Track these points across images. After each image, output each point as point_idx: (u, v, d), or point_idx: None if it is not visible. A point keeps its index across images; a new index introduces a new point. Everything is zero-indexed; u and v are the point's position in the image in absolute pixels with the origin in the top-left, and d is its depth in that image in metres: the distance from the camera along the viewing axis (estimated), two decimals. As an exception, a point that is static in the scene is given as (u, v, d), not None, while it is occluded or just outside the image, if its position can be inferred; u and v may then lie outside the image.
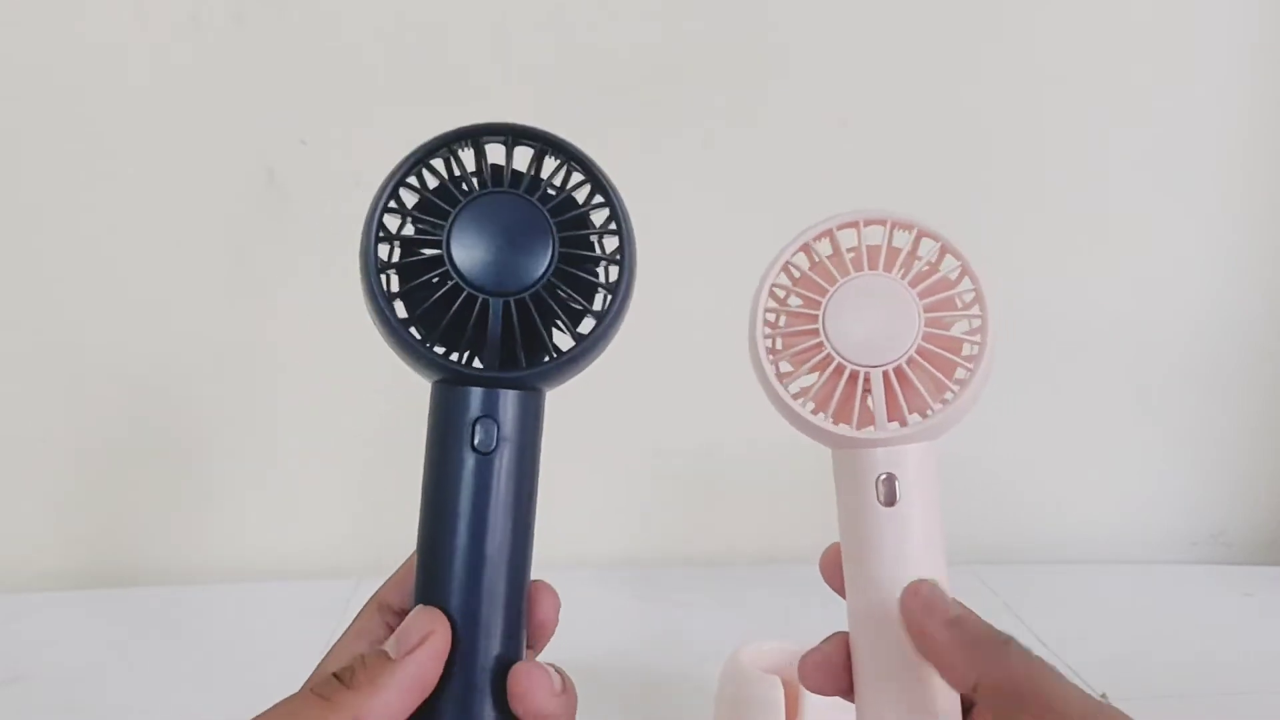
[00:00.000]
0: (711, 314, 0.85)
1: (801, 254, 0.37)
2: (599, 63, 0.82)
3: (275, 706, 0.33)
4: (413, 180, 0.36)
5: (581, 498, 0.86)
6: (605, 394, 0.86)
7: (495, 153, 0.37)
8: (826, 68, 0.84)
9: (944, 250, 0.36)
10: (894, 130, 0.84)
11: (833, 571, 0.39)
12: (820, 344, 0.36)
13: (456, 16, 0.80)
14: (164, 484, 0.85)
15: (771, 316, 0.37)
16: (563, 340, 0.37)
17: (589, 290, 0.37)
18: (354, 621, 0.38)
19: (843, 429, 0.36)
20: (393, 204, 0.36)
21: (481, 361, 0.36)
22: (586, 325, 0.37)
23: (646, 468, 0.87)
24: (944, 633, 0.35)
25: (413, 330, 0.36)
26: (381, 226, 0.36)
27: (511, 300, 0.35)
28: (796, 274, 0.37)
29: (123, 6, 0.78)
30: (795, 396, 0.37)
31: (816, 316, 0.36)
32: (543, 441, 0.38)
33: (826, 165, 0.84)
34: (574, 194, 0.37)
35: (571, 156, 0.37)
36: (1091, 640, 0.74)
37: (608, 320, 0.37)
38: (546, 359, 0.36)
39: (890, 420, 0.36)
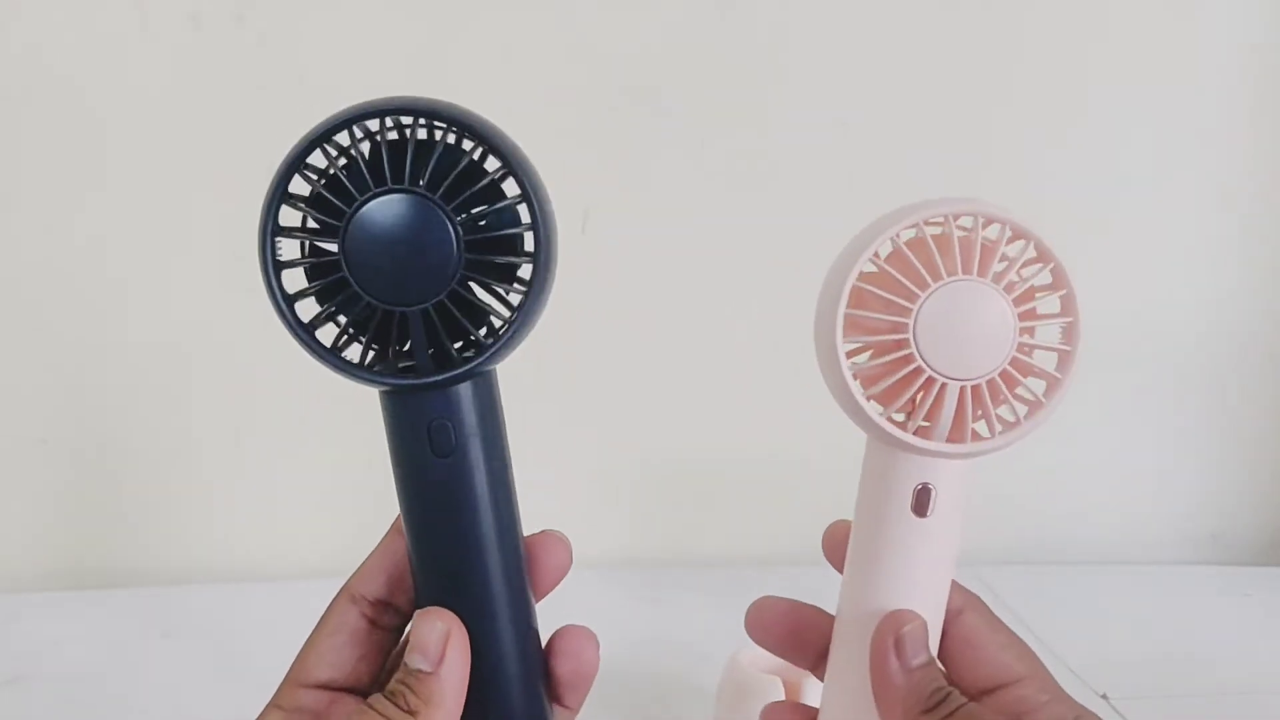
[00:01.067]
0: (710, 314, 0.86)
1: (889, 242, 0.34)
2: (599, 66, 0.82)
3: None
4: (298, 186, 0.33)
5: (581, 498, 0.86)
6: (607, 394, 0.86)
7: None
8: (825, 69, 0.84)
9: (1047, 271, 0.34)
10: (894, 132, 0.84)
11: (836, 551, 0.39)
12: (906, 340, 0.33)
13: (460, 16, 0.80)
14: (164, 484, 0.85)
15: (855, 298, 0.34)
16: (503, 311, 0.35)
17: (508, 271, 0.34)
18: (326, 616, 0.37)
19: (905, 435, 0.34)
20: (278, 225, 0.33)
21: (416, 368, 0.34)
22: (515, 298, 0.34)
23: (647, 468, 0.87)
24: (899, 677, 0.35)
25: (342, 354, 0.34)
26: (275, 255, 0.33)
27: (429, 307, 0.33)
28: (887, 251, 0.34)
29: (123, 6, 0.78)
30: (857, 382, 0.34)
31: (910, 311, 0.33)
32: (503, 413, 0.36)
33: (826, 167, 0.84)
34: (468, 170, 0.33)
35: (454, 124, 0.33)
36: (1092, 640, 0.74)
37: (532, 296, 0.34)
38: (480, 345, 0.34)
39: (951, 433, 0.34)
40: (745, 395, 0.85)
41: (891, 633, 0.35)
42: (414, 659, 0.34)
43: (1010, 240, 0.33)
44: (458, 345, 0.34)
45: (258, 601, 0.79)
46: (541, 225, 0.34)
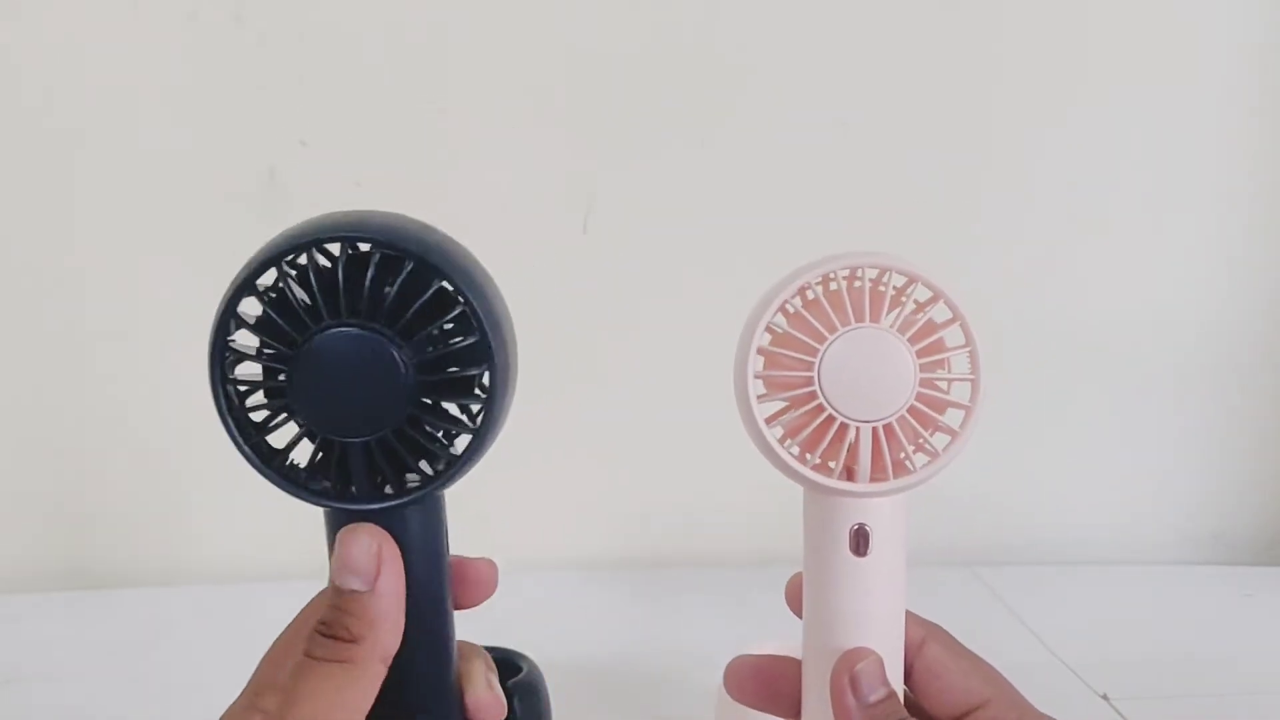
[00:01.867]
0: (710, 312, 0.85)
1: (798, 296, 0.37)
2: (597, 66, 0.82)
3: (290, 690, 0.33)
4: (248, 308, 0.33)
5: (581, 497, 0.86)
6: (607, 393, 0.86)
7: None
8: (825, 69, 0.84)
9: (943, 306, 0.36)
10: (893, 132, 0.84)
11: (796, 600, 0.40)
12: (814, 392, 0.35)
13: (460, 15, 0.80)
14: (163, 485, 0.85)
15: (763, 357, 0.37)
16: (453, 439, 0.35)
17: (459, 409, 0.35)
18: (296, 619, 0.36)
19: (828, 480, 0.36)
20: (231, 343, 0.33)
21: (354, 494, 0.34)
22: (461, 442, 0.35)
23: (647, 467, 0.87)
24: (858, 714, 0.36)
25: (285, 468, 0.34)
26: (225, 368, 0.34)
27: (371, 441, 0.33)
28: (792, 310, 0.37)
29: (122, 6, 0.78)
30: (780, 439, 0.36)
31: (812, 364, 0.35)
32: (446, 535, 0.36)
33: (826, 167, 0.84)
34: (427, 306, 0.33)
35: (417, 257, 0.32)
36: (1091, 640, 0.74)
37: (476, 441, 0.34)
38: (420, 479, 0.35)
39: (874, 473, 0.36)
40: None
41: (846, 672, 0.36)
42: (346, 579, 0.33)
43: (905, 285, 0.36)
44: (397, 477, 0.34)
45: (257, 602, 0.79)
46: (500, 382, 0.33)
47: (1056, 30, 0.85)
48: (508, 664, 0.56)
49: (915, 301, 0.36)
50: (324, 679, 0.33)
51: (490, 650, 0.56)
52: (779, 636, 0.57)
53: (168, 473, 0.85)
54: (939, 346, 0.36)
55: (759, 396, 0.36)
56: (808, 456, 0.36)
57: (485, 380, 0.34)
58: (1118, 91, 0.85)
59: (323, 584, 0.39)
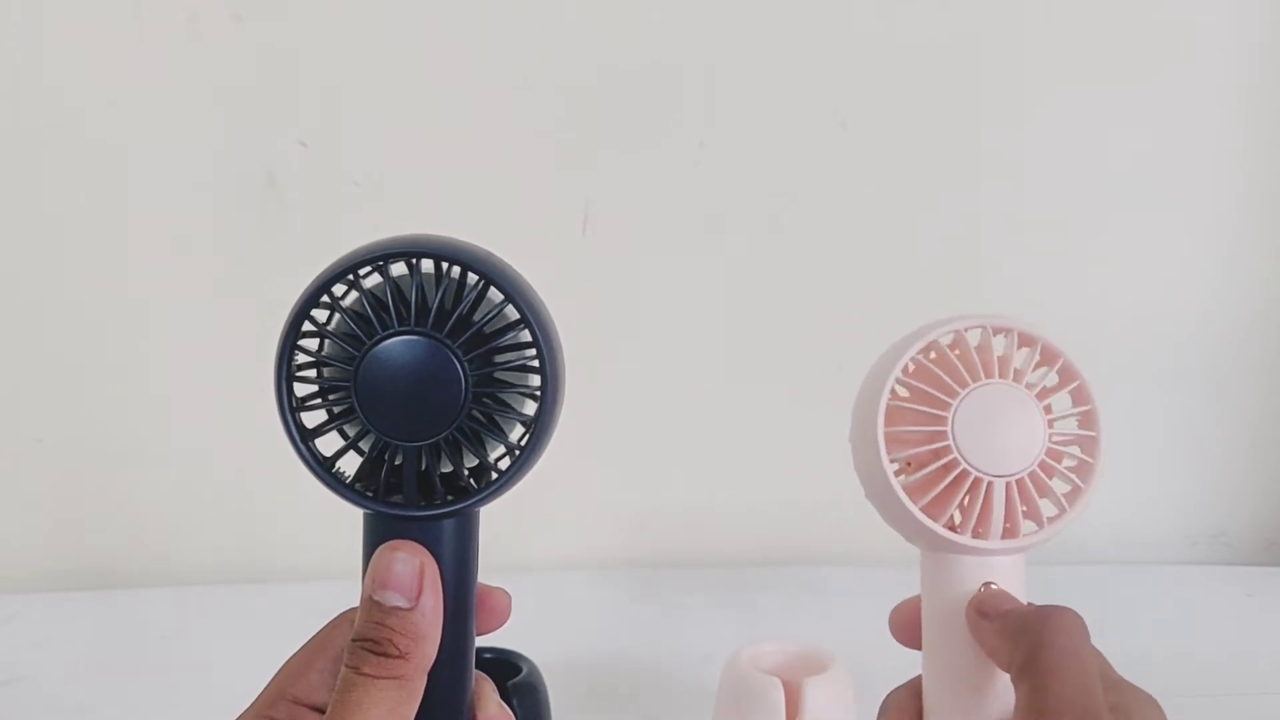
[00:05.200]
0: (710, 311, 0.86)
1: (923, 353, 0.36)
2: (592, 64, 0.82)
3: (341, 705, 0.32)
4: (320, 313, 0.35)
5: (581, 498, 0.86)
6: (607, 394, 0.86)
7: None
8: (825, 69, 0.83)
9: (1056, 363, 0.37)
10: (894, 132, 0.84)
11: (905, 632, 0.39)
12: (947, 446, 0.35)
13: (461, 17, 0.80)
14: (163, 485, 0.85)
15: (892, 411, 0.36)
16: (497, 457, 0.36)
17: (509, 422, 0.35)
18: (330, 636, 0.36)
19: (964, 539, 0.35)
20: (300, 343, 0.35)
21: (402, 499, 0.35)
22: (510, 455, 0.35)
23: (647, 467, 0.87)
24: (995, 622, 0.35)
25: (333, 471, 0.36)
26: (291, 367, 0.35)
27: (423, 447, 0.34)
28: (915, 367, 0.36)
29: (122, 6, 0.78)
30: (910, 497, 0.36)
31: (946, 419, 0.35)
32: (478, 552, 0.37)
33: (827, 167, 0.84)
34: (489, 321, 0.34)
35: (485, 276, 0.34)
36: (1092, 640, 0.74)
37: (526, 454, 0.35)
38: (466, 491, 0.35)
39: (1004, 531, 0.36)
40: (750, 396, 0.85)
41: (977, 602, 0.36)
42: (389, 596, 0.34)
43: (1029, 346, 0.36)
44: (449, 484, 0.35)
45: (259, 603, 0.79)
46: (550, 391, 0.35)
47: (1056, 31, 0.84)
48: (507, 664, 0.56)
49: (1031, 362, 0.36)
50: (378, 694, 0.33)
51: (489, 650, 0.56)
52: (778, 637, 0.57)
53: (169, 473, 0.85)
54: (1055, 407, 0.36)
55: (902, 480, 0.36)
56: (942, 520, 0.36)
57: (537, 398, 0.35)
58: (1118, 90, 0.85)
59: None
